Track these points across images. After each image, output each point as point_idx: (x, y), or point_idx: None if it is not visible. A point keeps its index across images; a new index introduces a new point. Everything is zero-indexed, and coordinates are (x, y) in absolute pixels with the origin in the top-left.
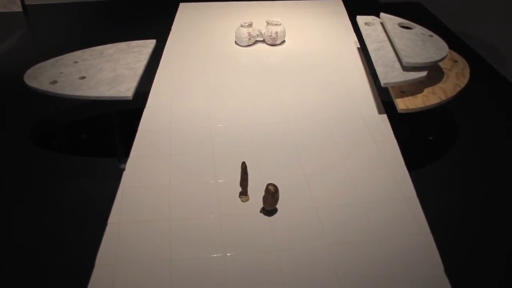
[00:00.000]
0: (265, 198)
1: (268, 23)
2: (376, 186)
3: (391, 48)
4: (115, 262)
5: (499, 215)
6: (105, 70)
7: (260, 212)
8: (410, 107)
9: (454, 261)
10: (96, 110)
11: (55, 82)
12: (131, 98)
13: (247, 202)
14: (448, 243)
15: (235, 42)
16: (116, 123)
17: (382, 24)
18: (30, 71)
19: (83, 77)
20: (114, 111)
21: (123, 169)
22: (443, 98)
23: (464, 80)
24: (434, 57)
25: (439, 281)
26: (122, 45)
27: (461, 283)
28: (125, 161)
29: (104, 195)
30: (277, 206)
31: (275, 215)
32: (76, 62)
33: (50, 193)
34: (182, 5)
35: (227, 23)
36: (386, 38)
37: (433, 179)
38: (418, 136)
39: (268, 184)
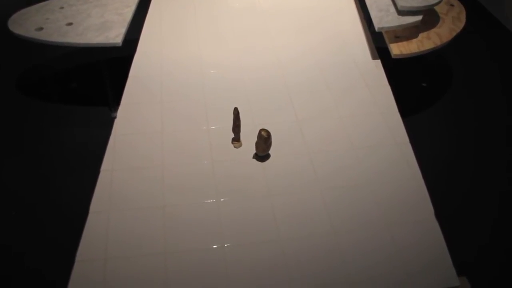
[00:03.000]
0: (257, 144)
1: None
2: (369, 132)
3: None
4: (109, 208)
5: (490, 161)
6: (92, 16)
7: (253, 158)
8: (405, 52)
9: (444, 205)
10: (85, 57)
11: (41, 28)
12: (120, 44)
13: (240, 148)
14: (439, 188)
15: None
16: (106, 70)
17: None
18: (14, 17)
19: (70, 24)
20: (103, 58)
21: (115, 117)
22: (438, 43)
23: (460, 25)
24: (430, 0)
25: (429, 224)
26: None
27: (450, 226)
28: (116, 109)
29: (97, 143)
30: (270, 151)
31: (267, 161)
32: (62, 7)
33: (42, 142)
34: None
35: None
36: None
37: (426, 126)
38: (412, 82)
39: (261, 130)
